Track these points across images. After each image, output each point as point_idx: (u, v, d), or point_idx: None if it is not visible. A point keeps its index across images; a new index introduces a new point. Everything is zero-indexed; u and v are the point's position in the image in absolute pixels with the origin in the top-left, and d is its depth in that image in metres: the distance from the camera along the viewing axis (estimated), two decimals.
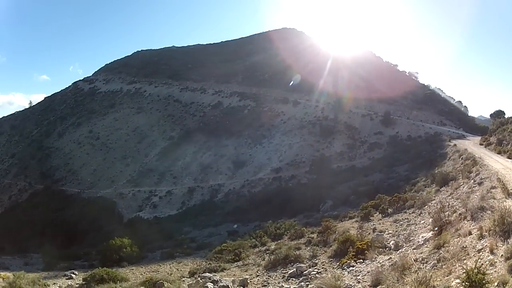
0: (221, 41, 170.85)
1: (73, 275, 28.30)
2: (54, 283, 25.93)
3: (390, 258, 14.11)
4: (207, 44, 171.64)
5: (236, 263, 23.22)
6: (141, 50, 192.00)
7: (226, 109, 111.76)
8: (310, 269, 16.99)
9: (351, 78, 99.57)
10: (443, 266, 10.16)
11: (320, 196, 43.52)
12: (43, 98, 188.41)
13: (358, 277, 13.35)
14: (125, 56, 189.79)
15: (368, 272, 13.31)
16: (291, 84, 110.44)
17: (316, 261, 18.17)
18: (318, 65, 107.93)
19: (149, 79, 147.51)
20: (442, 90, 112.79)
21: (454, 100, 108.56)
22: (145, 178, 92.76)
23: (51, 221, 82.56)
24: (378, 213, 26.68)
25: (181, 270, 25.68)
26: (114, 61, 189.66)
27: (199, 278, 19.60)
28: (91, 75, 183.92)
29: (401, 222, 21.85)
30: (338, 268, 16.07)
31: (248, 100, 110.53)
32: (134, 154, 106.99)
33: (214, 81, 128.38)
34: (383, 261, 14.01)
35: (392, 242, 16.87)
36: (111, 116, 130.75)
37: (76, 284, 24.85)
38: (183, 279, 21.94)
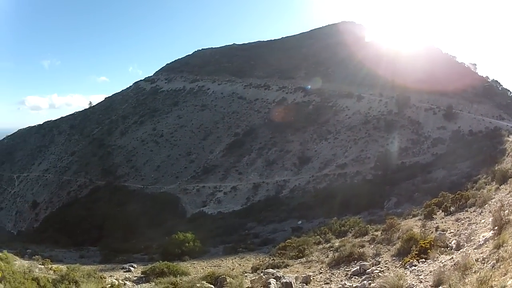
0: (282, 37, 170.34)
1: (131, 268, 28.83)
2: (111, 276, 25.91)
3: (452, 258, 13.20)
4: (268, 40, 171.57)
5: (299, 259, 22.58)
6: (201, 49, 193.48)
7: (291, 105, 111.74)
8: (373, 268, 16.52)
9: (412, 70, 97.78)
10: (501, 266, 9.62)
11: (384, 193, 43.15)
12: (103, 99, 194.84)
13: (420, 277, 12.75)
14: (186, 55, 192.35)
15: (430, 272, 12.66)
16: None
17: (380, 260, 17.61)
18: (379, 58, 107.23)
19: (211, 77, 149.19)
20: (499, 83, 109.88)
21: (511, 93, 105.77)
22: (210, 174, 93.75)
23: (112, 216, 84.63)
24: (441, 211, 24.99)
25: (243, 266, 25.54)
26: (175, 60, 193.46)
27: (261, 274, 19.01)
28: (152, 75, 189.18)
29: (463, 221, 20.43)
30: (401, 267, 15.47)
31: (312, 95, 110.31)
32: (199, 150, 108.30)
33: (278, 77, 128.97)
34: (445, 261, 13.20)
35: (454, 241, 15.95)
36: (175, 114, 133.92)
37: (134, 277, 25.49)
38: (246, 274, 21.59)
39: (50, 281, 20.06)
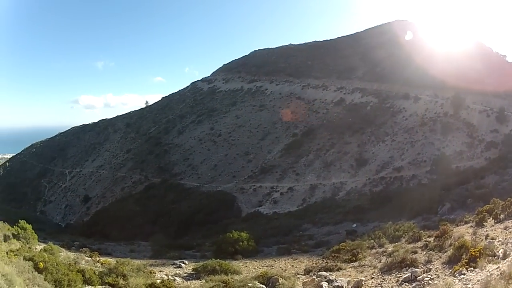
0: (337, 37, 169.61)
1: (182, 264, 29.39)
2: (160, 271, 26.97)
3: (498, 267, 13.23)
4: (323, 40, 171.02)
5: (352, 263, 22.52)
6: (258, 49, 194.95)
7: (348, 105, 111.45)
8: (424, 275, 16.34)
9: (465, 70, 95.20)
10: None
11: (439, 198, 41.83)
12: (159, 98, 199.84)
13: (468, 286, 12.88)
14: (243, 56, 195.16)
15: (477, 281, 12.73)
16: None
17: (431, 267, 17.49)
18: (433, 58, 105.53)
19: (269, 77, 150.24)
20: None
21: None
22: (267, 174, 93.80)
23: (166, 212, 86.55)
24: (491, 218, 24.59)
25: (296, 267, 25.57)
26: (232, 61, 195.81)
27: (314, 276, 19.57)
28: (209, 75, 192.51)
29: (511, 229, 20.33)
30: (450, 275, 15.39)
31: (370, 96, 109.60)
32: (257, 150, 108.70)
33: (336, 77, 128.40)
34: (491, 270, 13.20)
35: (501, 250, 15.68)
36: (233, 113, 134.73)
37: (185, 273, 25.99)
38: (298, 276, 22.05)
39: (97, 273, 21.74)
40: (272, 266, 26.26)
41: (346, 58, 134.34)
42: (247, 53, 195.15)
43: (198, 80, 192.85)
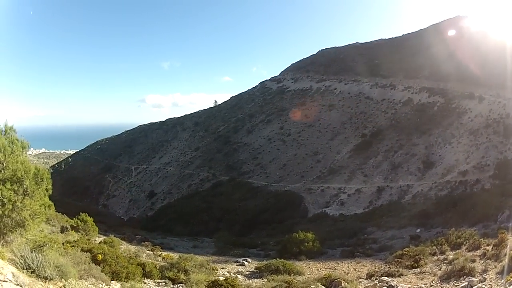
0: (402, 34, 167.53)
1: (245, 262, 30.32)
2: (223, 268, 27.97)
3: None
4: (389, 38, 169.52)
5: (413, 269, 22.52)
6: (325, 48, 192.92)
7: (416, 105, 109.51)
8: (479, 285, 16.24)
9: None
10: None
11: (499, 205, 40.09)
12: (228, 98, 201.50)
13: None
14: (310, 55, 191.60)
15: None
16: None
17: (486, 276, 17.20)
18: (497, 55, 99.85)
19: (338, 76, 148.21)
20: None
21: None
22: (336, 175, 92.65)
23: (233, 210, 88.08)
24: None
25: (358, 271, 25.85)
26: (300, 60, 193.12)
27: (376, 281, 19.91)
28: (277, 74, 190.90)
29: None
30: (502, 285, 15.35)
31: (436, 96, 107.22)
32: (326, 151, 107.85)
33: (403, 76, 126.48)
34: None
35: None
36: (302, 113, 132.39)
37: (247, 271, 26.94)
38: (360, 280, 22.36)
39: (158, 267, 23.18)
40: (335, 269, 26.60)
41: (412, 56, 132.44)
42: (315, 52, 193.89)
43: (267, 80, 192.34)
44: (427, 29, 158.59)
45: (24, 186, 14.51)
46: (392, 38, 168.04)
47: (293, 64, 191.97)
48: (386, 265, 25.09)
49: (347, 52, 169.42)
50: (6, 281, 10.40)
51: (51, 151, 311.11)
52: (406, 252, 25.64)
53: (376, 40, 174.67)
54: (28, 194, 14.71)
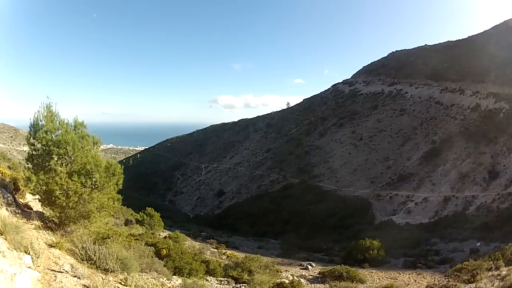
0: (468, 36, 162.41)
1: (309, 266, 30.70)
2: (286, 271, 28.43)
3: None
4: (456, 40, 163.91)
5: (469, 284, 22.23)
6: (396, 50, 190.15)
7: (483, 112, 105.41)
8: None
9: None
10: None
11: None
12: (300, 100, 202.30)
13: None
14: (381, 58, 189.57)
15: None
16: None
17: None
18: None
19: (408, 80, 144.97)
20: None
21: None
22: (405, 182, 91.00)
23: (301, 213, 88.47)
24: None
25: (418, 283, 26.00)
26: (371, 63, 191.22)
27: None
28: (349, 77, 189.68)
29: None
30: None
31: (502, 102, 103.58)
32: (397, 156, 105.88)
33: (471, 80, 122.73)
34: None
35: None
36: (374, 117, 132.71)
37: (310, 275, 27.19)
38: None
39: (222, 266, 23.88)
40: (396, 279, 26.82)
41: (479, 59, 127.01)
42: (385, 55, 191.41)
43: (339, 82, 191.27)
44: (491, 30, 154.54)
45: (94, 179, 15.48)
46: (459, 40, 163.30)
47: (364, 67, 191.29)
48: (445, 279, 24.94)
49: (417, 54, 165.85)
50: (62, 272, 10.73)
51: (119, 147, 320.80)
52: (465, 266, 25.37)
53: (444, 42, 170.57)
54: (98, 187, 15.75)
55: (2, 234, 11.11)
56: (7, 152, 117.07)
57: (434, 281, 25.35)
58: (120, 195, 17.00)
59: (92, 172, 15.30)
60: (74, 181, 15.01)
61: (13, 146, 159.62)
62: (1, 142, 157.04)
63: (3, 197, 16.86)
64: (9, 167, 37.53)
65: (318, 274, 27.28)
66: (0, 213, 14.08)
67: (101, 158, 16.37)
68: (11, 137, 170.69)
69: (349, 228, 70.06)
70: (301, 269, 30.16)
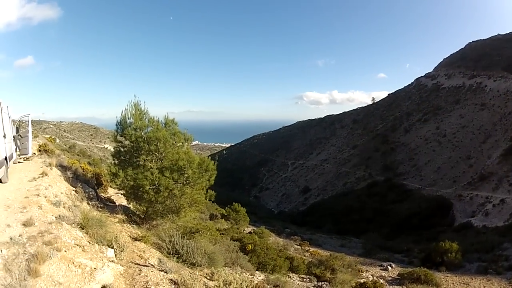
0: None
1: (389, 267, 30.71)
2: (367, 271, 28.97)
3: None
4: None
5: None
6: (472, 41, 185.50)
7: None
8: None
9: None
10: None
11: None
12: (385, 95, 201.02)
13: None
14: (460, 49, 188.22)
15: None
16: None
17: None
18: None
19: (486, 72, 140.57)
20: None
21: None
22: (485, 182, 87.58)
23: (384, 212, 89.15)
24: None
25: None
26: (451, 55, 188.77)
27: None
28: (431, 70, 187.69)
29: None
30: None
31: None
32: (478, 154, 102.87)
33: None
34: None
35: None
36: (457, 112, 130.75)
37: (389, 277, 27.18)
38: None
39: (305, 263, 24.54)
40: (468, 285, 26.20)
41: None
42: (463, 46, 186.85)
43: (422, 76, 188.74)
44: None
45: (186, 175, 15.72)
46: None
47: (444, 59, 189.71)
48: (509, 286, 24.79)
49: (492, 45, 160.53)
50: (148, 266, 10.78)
51: (205, 143, 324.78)
52: None
53: None
54: (189, 183, 16.00)
55: (83, 228, 11.63)
56: (87, 149, 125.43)
57: None
58: (213, 191, 17.51)
59: (185, 168, 15.71)
60: (166, 177, 15.58)
61: (93, 143, 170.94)
62: (80, 140, 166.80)
63: (84, 191, 18.30)
64: (89, 163, 39.67)
65: (397, 276, 27.39)
66: (82, 207, 15.24)
67: (193, 154, 16.94)
68: (91, 135, 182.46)
69: (429, 229, 69.54)
70: (381, 269, 30.55)
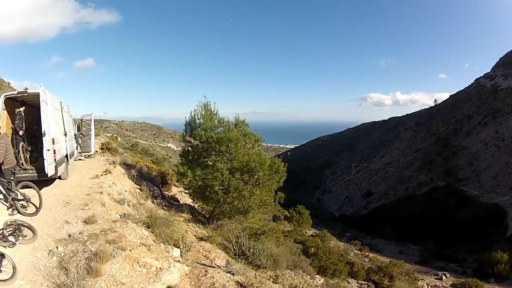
0: None
1: (443, 277, 30.69)
2: (422, 279, 28.85)
3: None
4: None
5: None
6: None
7: None
8: None
9: None
10: None
11: None
12: (446, 96, 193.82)
13: None
14: None
15: None
16: None
17: None
18: None
19: None
20: None
21: None
22: None
23: (443, 219, 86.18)
24: None
25: None
26: (507, 53, 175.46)
27: None
28: (489, 70, 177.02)
29: None
30: None
31: None
32: None
33: None
34: None
35: None
36: None
37: (443, 286, 27.40)
38: None
39: (365, 269, 24.43)
40: None
41: None
42: None
43: (481, 77, 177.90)
44: None
45: (256, 176, 15.33)
46: None
47: (501, 58, 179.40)
48: None
49: None
50: (214, 267, 10.83)
51: (269, 144, 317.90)
52: None
53: None
54: (259, 184, 15.57)
55: (149, 227, 11.56)
56: (150, 148, 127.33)
57: None
58: (282, 193, 17.16)
59: (256, 169, 15.27)
60: (237, 178, 15.21)
61: (156, 142, 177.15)
62: (143, 139, 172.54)
63: (149, 190, 18.41)
64: (152, 162, 39.32)
65: (450, 285, 27.40)
66: (147, 205, 15.29)
67: (264, 156, 16.48)
68: (154, 134, 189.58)
69: (484, 238, 67.31)
70: (436, 278, 30.34)
